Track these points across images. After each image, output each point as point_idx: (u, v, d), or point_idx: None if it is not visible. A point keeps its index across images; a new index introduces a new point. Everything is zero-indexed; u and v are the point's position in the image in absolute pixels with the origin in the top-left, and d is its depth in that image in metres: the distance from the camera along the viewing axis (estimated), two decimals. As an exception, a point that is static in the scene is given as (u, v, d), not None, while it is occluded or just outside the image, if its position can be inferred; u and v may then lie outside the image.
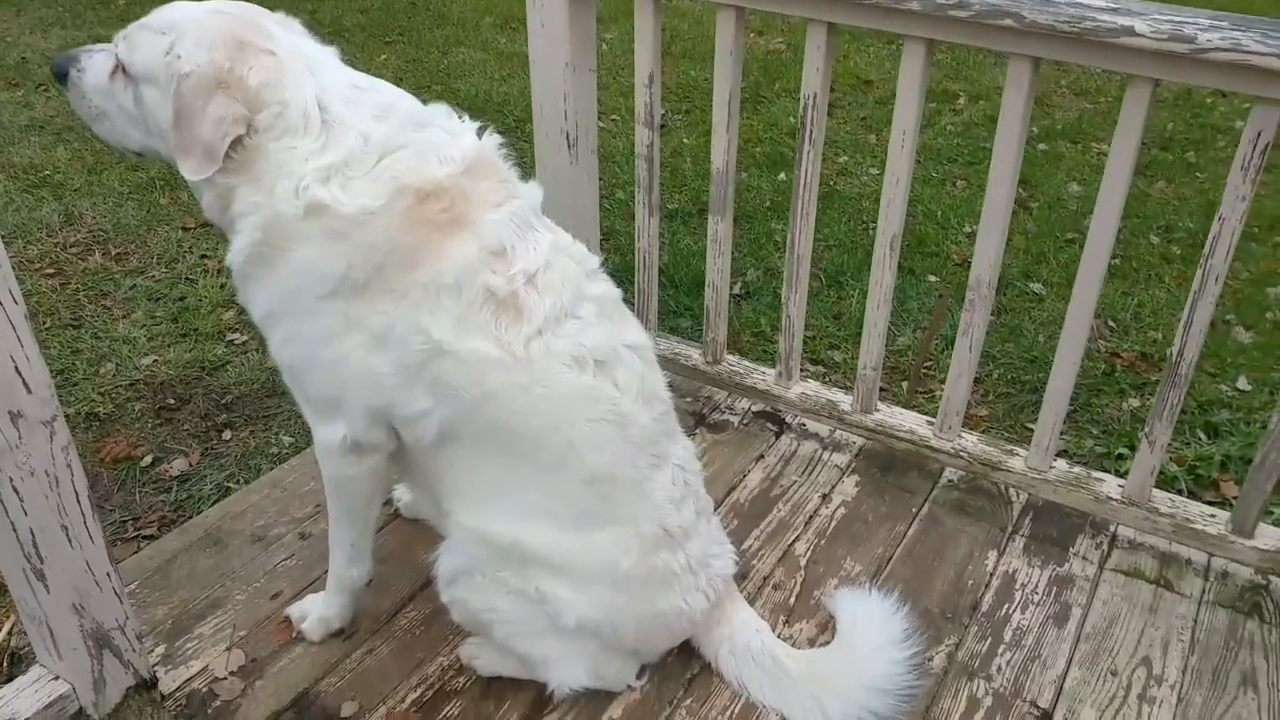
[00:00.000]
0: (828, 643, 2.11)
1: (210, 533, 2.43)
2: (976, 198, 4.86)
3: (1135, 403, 3.50)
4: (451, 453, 1.81)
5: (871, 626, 2.02)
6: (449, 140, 1.75)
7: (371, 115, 1.71)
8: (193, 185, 1.73)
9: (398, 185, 1.67)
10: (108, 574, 1.75)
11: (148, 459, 3.17)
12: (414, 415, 1.77)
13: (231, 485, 3.09)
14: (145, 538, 2.86)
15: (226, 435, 3.35)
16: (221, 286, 4.13)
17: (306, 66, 1.71)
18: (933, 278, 4.25)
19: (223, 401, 3.50)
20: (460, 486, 1.85)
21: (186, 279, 4.20)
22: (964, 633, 2.18)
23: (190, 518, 2.67)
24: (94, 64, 1.77)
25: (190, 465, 3.19)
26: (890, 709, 1.90)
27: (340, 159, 1.67)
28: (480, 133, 1.81)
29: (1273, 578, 2.30)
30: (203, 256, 4.37)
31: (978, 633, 2.18)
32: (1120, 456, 3.18)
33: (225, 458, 3.24)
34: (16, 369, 1.53)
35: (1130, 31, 1.80)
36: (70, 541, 1.68)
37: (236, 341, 3.84)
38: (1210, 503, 2.68)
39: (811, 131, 2.34)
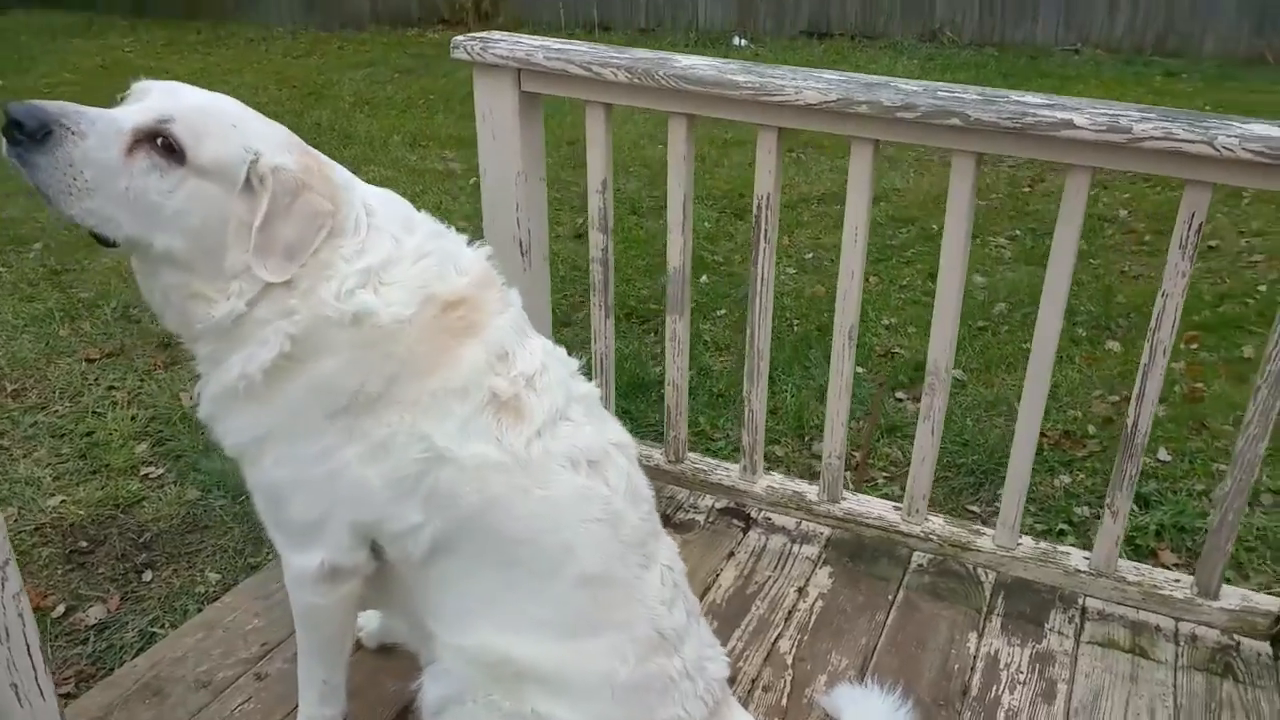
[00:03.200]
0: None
1: (146, 683, 2.23)
2: (889, 292, 5.05)
3: (1066, 479, 3.60)
4: (441, 568, 1.73)
5: None
6: (460, 250, 1.76)
7: (399, 222, 1.70)
8: (176, 297, 1.61)
9: (426, 294, 1.65)
10: (60, 734, 1.59)
11: (60, 609, 2.94)
12: (405, 530, 1.69)
13: (157, 631, 2.87)
14: (64, 696, 2.62)
15: (147, 576, 3.13)
16: (133, 418, 3.93)
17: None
18: (860, 369, 4.35)
19: (140, 540, 3.28)
20: (447, 603, 1.77)
21: (94, 413, 3.98)
22: (958, 719, 2.16)
23: (113, 669, 2.49)
24: (100, 130, 1.50)
25: (109, 612, 2.96)
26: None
27: (378, 262, 1.63)
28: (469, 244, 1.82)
29: (1239, 637, 2.36)
30: (110, 388, 4.17)
31: (971, 718, 2.18)
32: (1061, 532, 3.26)
33: (147, 600, 3.02)
34: (-32, 512, 1.40)
35: (1070, 125, 1.93)
36: (20, 700, 1.53)
37: (152, 476, 3.64)
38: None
39: (766, 230, 2.40)
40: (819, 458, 3.62)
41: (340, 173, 1.70)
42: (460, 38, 2.46)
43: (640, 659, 1.78)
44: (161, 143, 1.52)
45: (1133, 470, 2.29)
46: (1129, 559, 3.05)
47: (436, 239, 1.74)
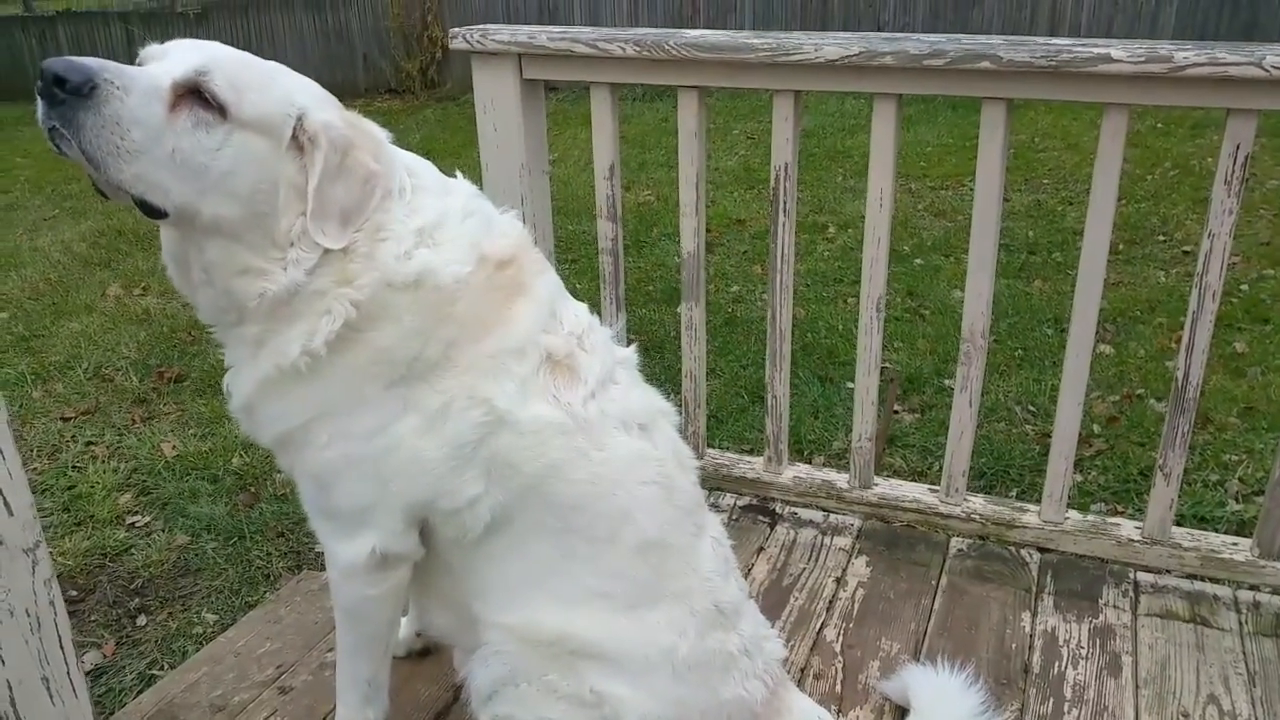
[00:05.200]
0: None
1: (160, 711, 2.09)
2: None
3: (1079, 477, 3.56)
4: (494, 543, 1.63)
5: (950, 701, 1.89)
6: (495, 212, 1.70)
7: (440, 183, 1.64)
8: (222, 274, 1.49)
9: (480, 253, 1.58)
10: (91, 735, 1.44)
11: None
12: (462, 505, 1.59)
13: (156, 672, 2.75)
14: None
15: (141, 620, 3.02)
16: (114, 471, 3.81)
17: None
18: (850, 384, 4.32)
19: (132, 586, 3.17)
20: (496, 581, 1.66)
21: (74, 467, 3.88)
22: (1024, 697, 2.07)
23: (113, 712, 2.32)
24: (142, 86, 1.37)
25: (105, 657, 2.85)
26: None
27: (430, 222, 1.56)
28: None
29: (1304, 598, 2.28)
30: (88, 444, 4.06)
31: (1038, 695, 2.08)
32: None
33: (144, 644, 2.90)
34: (-2, 485, 1.28)
35: (1107, 59, 1.89)
36: (52, 696, 1.39)
37: (138, 524, 3.52)
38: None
39: (785, 202, 2.34)
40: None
41: (377, 128, 1.63)
42: (459, 29, 2.42)
43: (700, 633, 1.69)
44: (202, 97, 1.41)
45: (1185, 426, 2.21)
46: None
47: (477, 199, 1.68)
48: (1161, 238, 5.91)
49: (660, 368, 4.25)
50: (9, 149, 9.53)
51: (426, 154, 1.72)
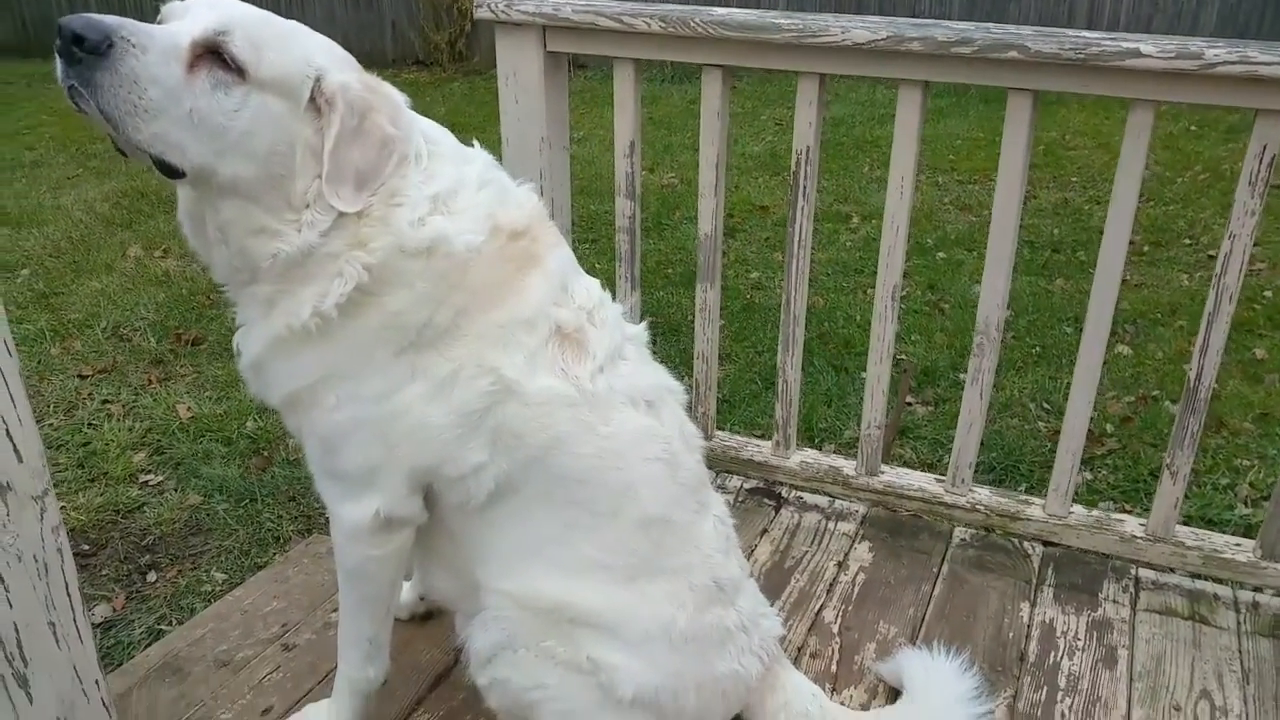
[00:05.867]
0: (881, 708, 1.99)
1: (165, 664, 2.12)
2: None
3: (1089, 475, 3.55)
4: (498, 510, 1.64)
5: (943, 684, 1.91)
6: (511, 183, 1.71)
7: (458, 151, 1.65)
8: (236, 233, 1.50)
9: (494, 223, 1.59)
10: (96, 681, 1.47)
11: None
12: (467, 472, 1.60)
13: (164, 628, 2.79)
14: None
15: (151, 577, 3.06)
16: (129, 430, 3.85)
17: None
18: (865, 375, 4.31)
19: (143, 543, 3.21)
20: (498, 548, 1.68)
21: (89, 425, 3.91)
22: (1018, 684, 2.09)
23: (121, 664, 2.37)
24: (160, 45, 1.36)
25: (115, 610, 2.89)
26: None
27: (445, 190, 1.56)
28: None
29: (1306, 601, 2.28)
30: (104, 402, 4.10)
31: (1032, 683, 2.10)
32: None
33: (153, 600, 2.94)
34: (7, 432, 1.30)
35: (1136, 54, 1.88)
36: (58, 641, 1.41)
37: (151, 483, 3.56)
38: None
39: (805, 187, 2.34)
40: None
41: (395, 92, 1.63)
42: (484, -4, 2.40)
43: (698, 607, 1.71)
44: (221, 57, 1.41)
45: (1195, 426, 2.21)
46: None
47: (494, 169, 1.69)
48: (1187, 241, 5.85)
49: (676, 350, 4.26)
50: (36, 106, 9.55)
51: (451, 128, 1.72)
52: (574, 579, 1.65)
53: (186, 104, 1.39)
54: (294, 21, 1.54)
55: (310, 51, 1.50)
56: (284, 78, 1.45)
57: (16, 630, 1.36)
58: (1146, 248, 5.62)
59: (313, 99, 1.48)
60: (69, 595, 1.43)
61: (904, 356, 4.43)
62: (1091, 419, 3.85)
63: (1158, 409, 3.98)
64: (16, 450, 1.33)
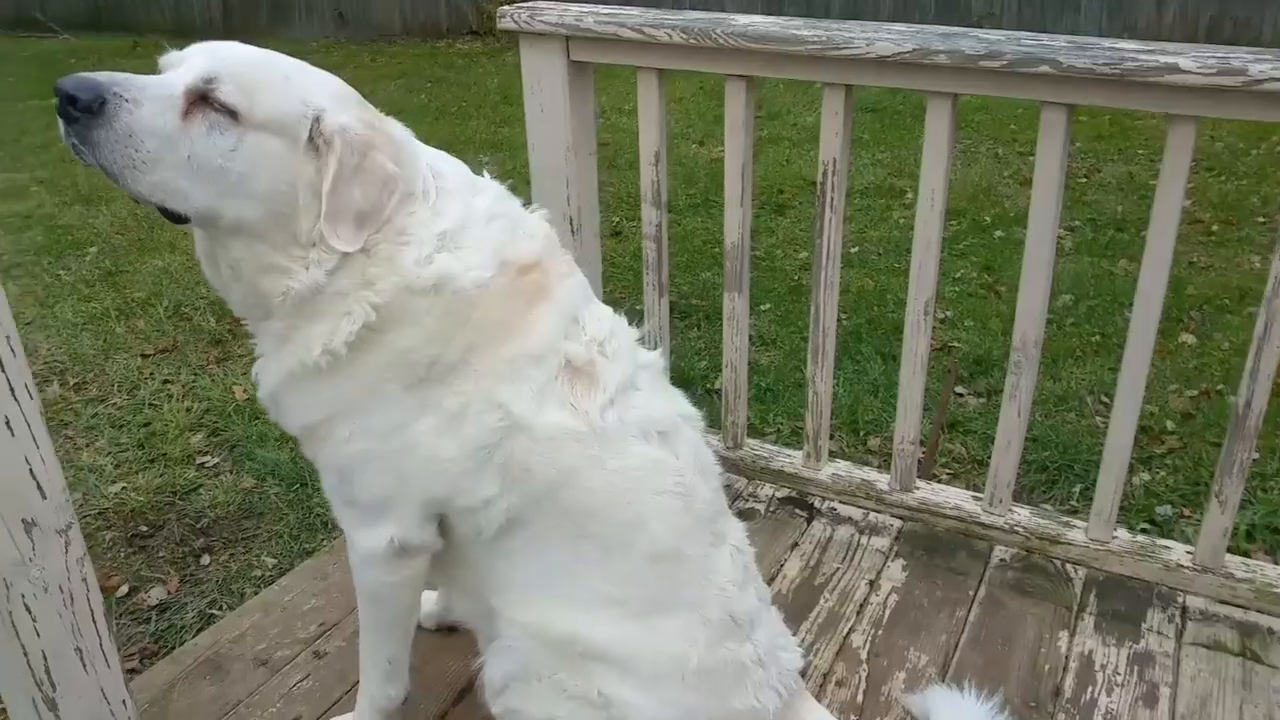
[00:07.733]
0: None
1: (208, 659, 2.21)
2: (944, 286, 4.90)
3: (1146, 476, 3.44)
4: (510, 542, 1.66)
5: None
6: (523, 213, 1.70)
7: (467, 184, 1.64)
8: (248, 270, 1.53)
9: (502, 258, 1.59)
10: (123, 701, 1.54)
11: (124, 589, 2.98)
12: (477, 505, 1.62)
13: (215, 612, 2.89)
14: (129, 671, 2.64)
15: (205, 560, 3.16)
16: (188, 410, 3.97)
17: None
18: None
19: (198, 526, 3.32)
20: (513, 578, 1.69)
21: (150, 405, 4.04)
22: (1051, 721, 2.02)
23: (174, 648, 2.50)
24: (152, 96, 1.41)
25: (169, 593, 3.00)
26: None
27: (453, 226, 1.57)
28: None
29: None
30: (165, 382, 4.22)
31: (1066, 720, 2.02)
32: (1144, 531, 3.10)
33: (206, 584, 3.05)
34: (31, 471, 1.36)
35: (1175, 69, 1.78)
36: (85, 666, 1.48)
37: (208, 465, 3.67)
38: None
39: (832, 199, 2.29)
40: (874, 453, 3.50)
41: (398, 129, 1.63)
42: (507, 7, 2.40)
43: (712, 643, 1.70)
44: (215, 102, 1.43)
45: (1244, 454, 2.11)
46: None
47: (504, 201, 1.69)
48: (1261, 219, 5.57)
49: (718, 335, 4.23)
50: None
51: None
52: (585, 612, 1.65)
53: (184, 150, 1.42)
54: (298, 61, 1.55)
55: (309, 91, 1.51)
56: (279, 118, 1.47)
57: (45, 658, 1.43)
58: (1216, 227, 5.36)
59: (311, 139, 1.49)
60: (94, 622, 1.49)
61: (955, 344, 4.33)
62: (1152, 414, 3.75)
63: (1222, 404, 3.82)
64: (40, 488, 1.39)
